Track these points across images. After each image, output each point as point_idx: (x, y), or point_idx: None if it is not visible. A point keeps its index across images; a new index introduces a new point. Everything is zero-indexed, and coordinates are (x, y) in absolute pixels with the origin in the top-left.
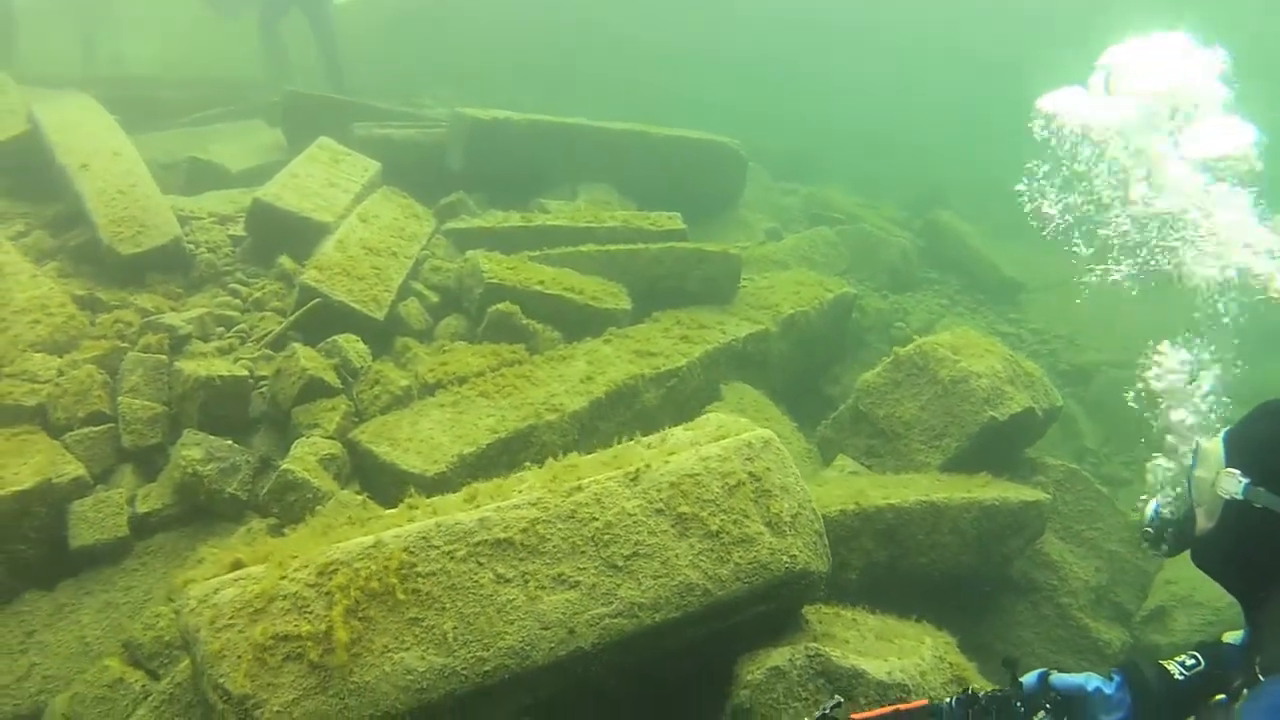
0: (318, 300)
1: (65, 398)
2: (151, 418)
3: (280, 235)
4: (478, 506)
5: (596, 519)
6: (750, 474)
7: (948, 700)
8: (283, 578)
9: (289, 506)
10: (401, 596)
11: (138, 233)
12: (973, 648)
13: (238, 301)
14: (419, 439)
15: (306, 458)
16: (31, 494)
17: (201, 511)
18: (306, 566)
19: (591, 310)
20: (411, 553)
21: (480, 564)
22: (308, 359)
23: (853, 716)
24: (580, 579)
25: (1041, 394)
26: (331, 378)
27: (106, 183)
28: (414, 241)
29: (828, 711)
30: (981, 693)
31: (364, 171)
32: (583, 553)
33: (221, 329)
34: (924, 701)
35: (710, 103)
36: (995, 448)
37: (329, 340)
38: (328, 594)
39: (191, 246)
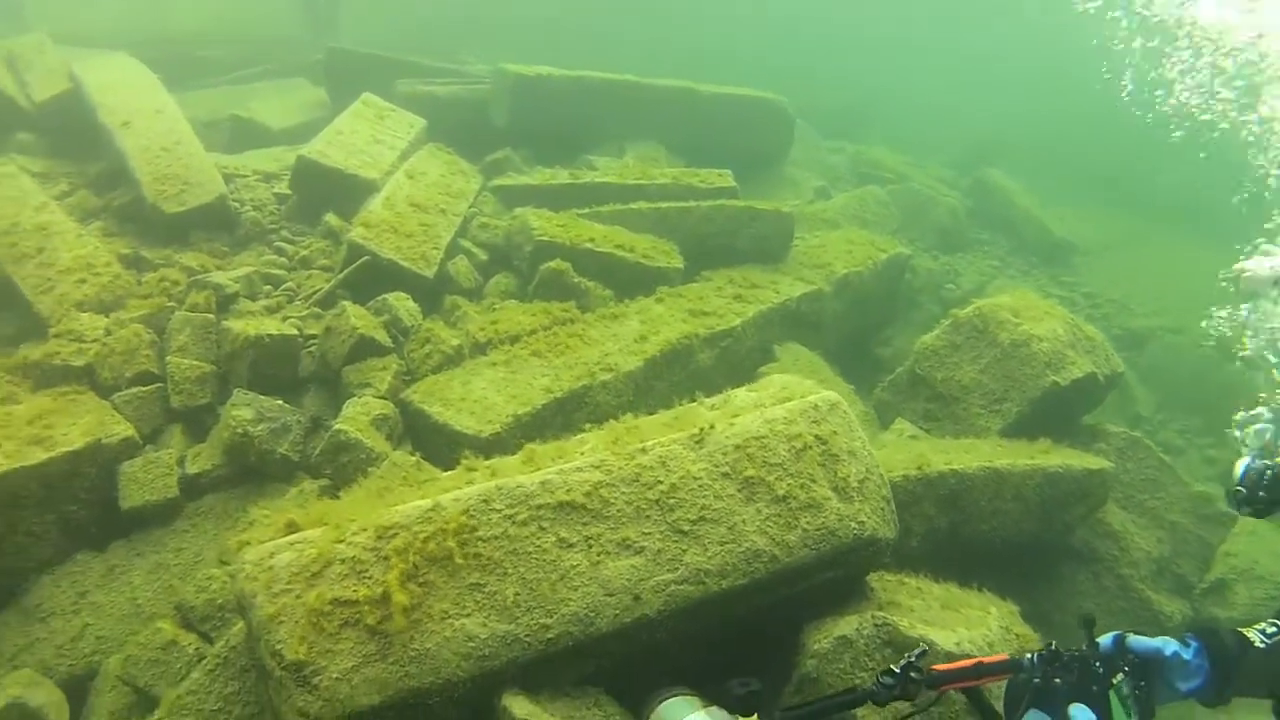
0: (366, 258)
1: (113, 357)
2: (200, 377)
3: (326, 193)
4: (538, 469)
5: (661, 482)
6: (817, 437)
7: (1029, 655)
8: (339, 541)
9: (342, 468)
10: (461, 561)
11: (182, 190)
12: (1033, 617)
13: (284, 260)
14: (472, 399)
15: (359, 418)
16: (82, 455)
17: (252, 472)
18: (364, 530)
19: (643, 268)
20: (471, 515)
21: (542, 528)
22: (358, 317)
23: (934, 667)
24: (645, 544)
25: (1103, 359)
26: (382, 336)
27: (149, 140)
28: (461, 199)
29: (912, 659)
30: (1064, 651)
31: (409, 128)
32: (648, 517)
33: (269, 287)
34: (1005, 656)
35: (754, 61)
36: (1055, 413)
37: (379, 298)
38: (385, 558)
39: (236, 204)
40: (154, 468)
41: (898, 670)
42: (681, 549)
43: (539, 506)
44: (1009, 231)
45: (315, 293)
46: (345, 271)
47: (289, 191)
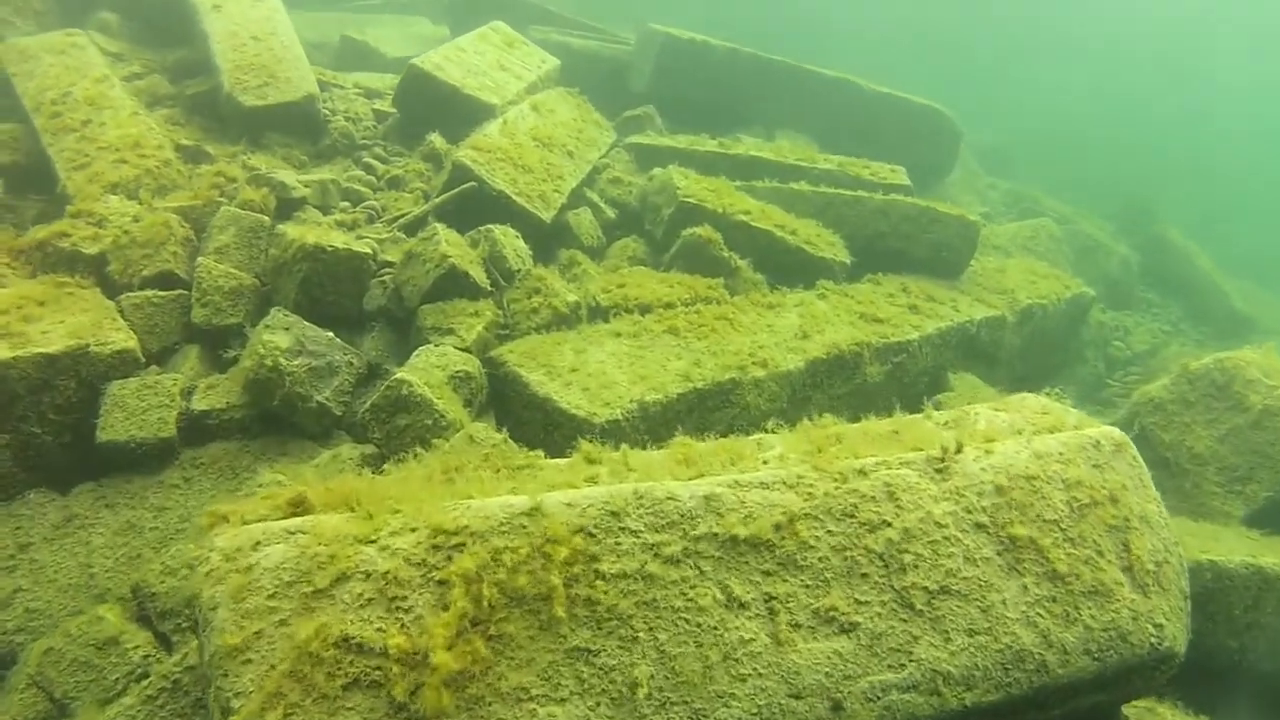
0: (471, 184)
1: (131, 248)
2: (235, 289)
3: (435, 113)
4: (699, 474)
5: (889, 524)
6: (1106, 490)
7: None
8: (369, 540)
9: (397, 433)
10: (563, 610)
11: (265, 84)
12: None
13: (371, 178)
14: (586, 372)
15: (431, 371)
16: (59, 361)
17: (278, 421)
18: (412, 529)
19: (805, 256)
20: (590, 536)
21: (701, 572)
22: (451, 245)
23: None
24: (860, 620)
25: None
26: (479, 274)
27: (240, 26)
28: (593, 147)
29: None
30: None
31: (540, 63)
32: (865, 576)
33: (346, 204)
34: None
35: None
36: None
37: (482, 228)
38: (441, 583)
39: (327, 113)
40: (150, 395)
41: None
42: (912, 634)
43: (699, 538)
44: (1184, 296)
45: (402, 215)
46: (444, 196)
47: (391, 110)
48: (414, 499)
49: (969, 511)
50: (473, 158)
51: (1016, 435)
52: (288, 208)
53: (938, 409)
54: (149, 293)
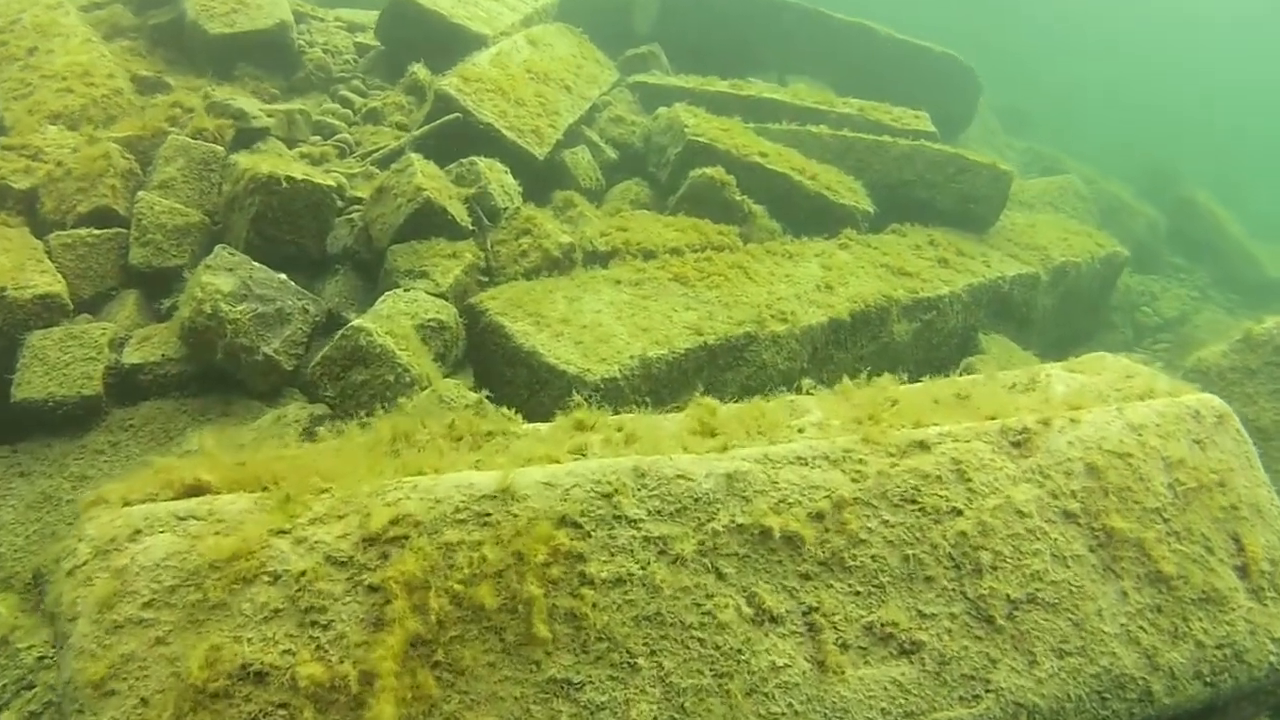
0: (456, 116)
1: (66, 181)
2: (180, 227)
3: (420, 46)
4: (722, 447)
5: (960, 513)
6: (1212, 472)
7: None
8: (282, 530)
9: (353, 390)
10: (536, 631)
11: (233, 10)
12: None
13: (347, 112)
14: (579, 323)
15: (398, 318)
16: None
17: (222, 378)
18: (341, 516)
19: (825, 202)
20: (576, 527)
21: (721, 575)
22: (428, 177)
23: None
24: (924, 638)
25: None
26: (458, 211)
27: None
28: (593, 84)
29: None
30: None
31: None
32: (930, 581)
33: (318, 137)
34: None
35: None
36: None
37: (464, 160)
38: (374, 590)
39: (303, 44)
40: (75, 346)
41: None
42: (990, 657)
43: (719, 530)
44: (1212, 261)
45: (377, 150)
46: (425, 128)
47: (375, 44)
48: (349, 476)
49: (1056, 497)
50: (458, 87)
51: (1103, 403)
52: (247, 138)
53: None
54: (83, 231)
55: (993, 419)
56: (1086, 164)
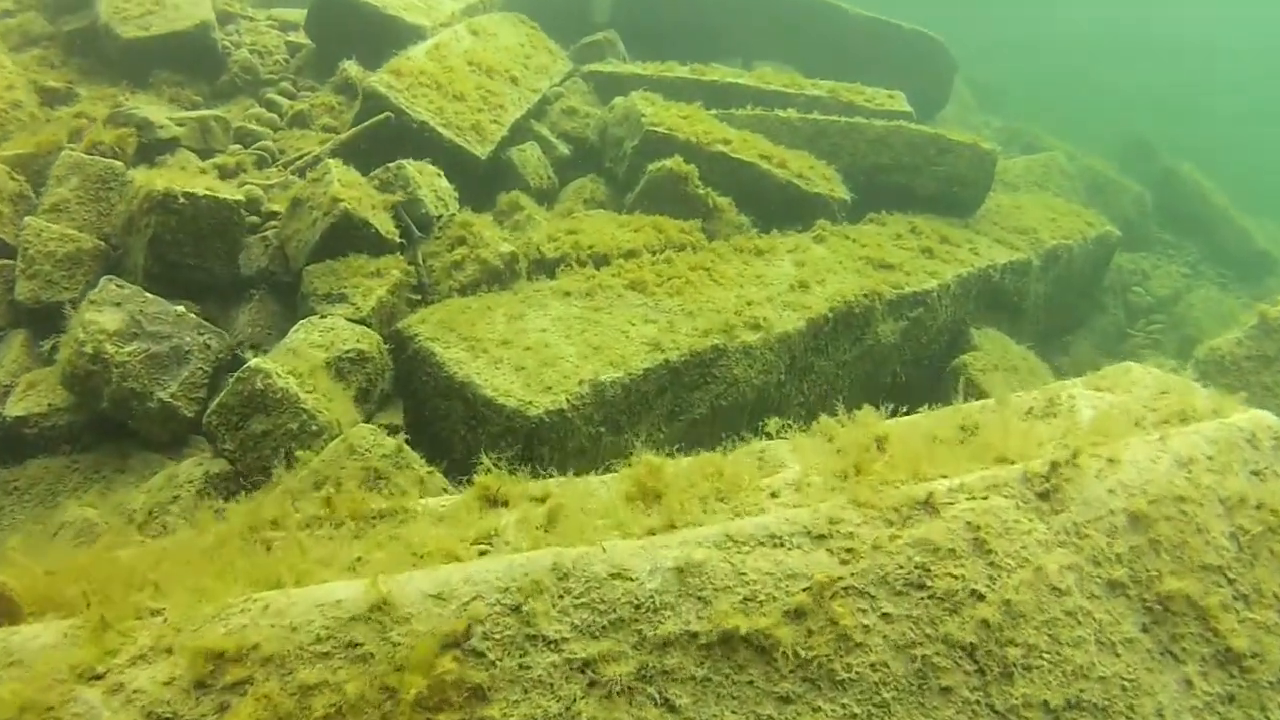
0: (386, 115)
1: None
2: (71, 256)
3: (354, 41)
4: (670, 524)
5: (980, 595)
6: (1276, 511)
7: None
8: (92, 673)
9: (253, 442)
10: None
11: (149, 12)
12: None
13: (273, 116)
14: (521, 344)
15: (308, 352)
16: None
17: (118, 427)
18: (169, 650)
19: (797, 192)
20: (475, 656)
21: (673, 706)
22: (346, 185)
23: None
24: None
25: None
26: (383, 222)
27: None
28: (542, 75)
29: None
30: None
31: None
32: (947, 693)
33: (237, 146)
34: None
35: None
36: None
37: (392, 164)
38: None
39: (229, 45)
40: None
41: None
42: None
43: (667, 643)
44: (1201, 235)
45: (300, 156)
46: (353, 131)
47: (306, 42)
48: (190, 586)
49: (1098, 563)
50: (389, 83)
51: (1139, 429)
52: (153, 151)
53: (965, 376)
54: None
55: (1010, 462)
56: (1064, 139)
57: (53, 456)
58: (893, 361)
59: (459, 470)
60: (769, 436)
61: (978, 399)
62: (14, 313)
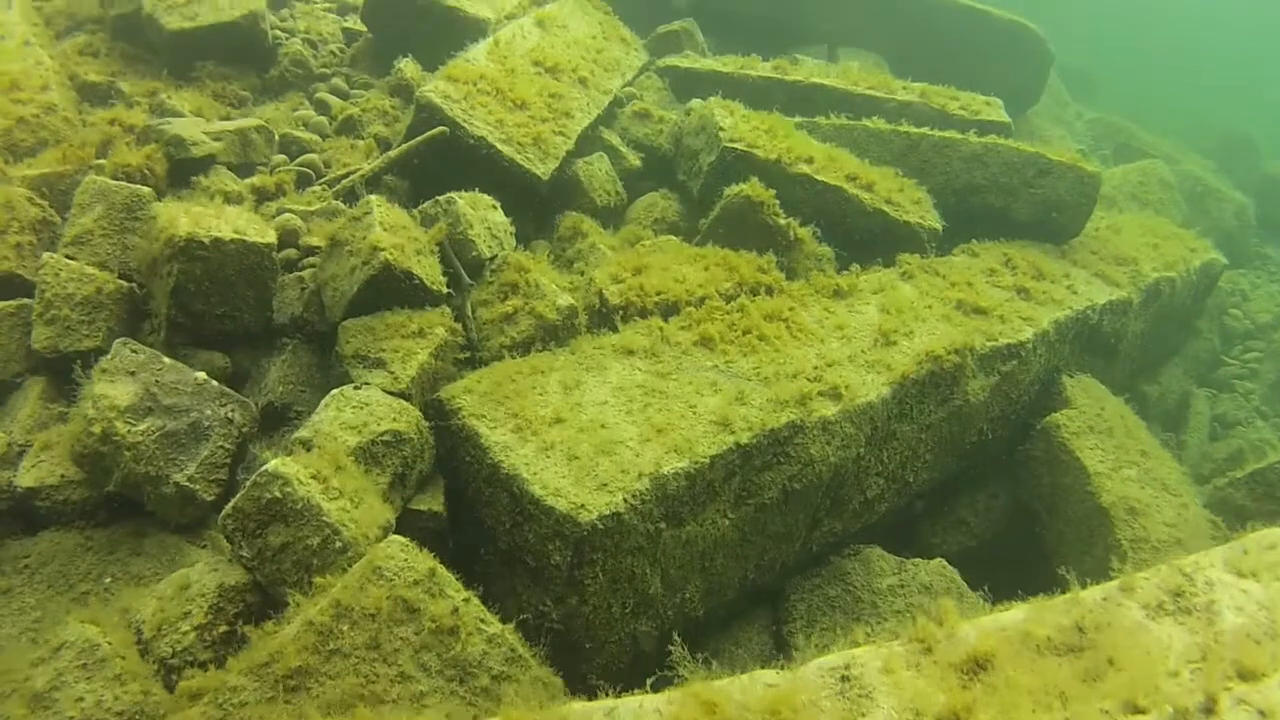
0: (441, 130)
1: None
2: (91, 300)
3: (413, 31)
4: None
5: None
6: None
7: None
8: None
9: (272, 554)
10: None
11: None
12: None
13: (322, 120)
14: (576, 424)
15: (338, 436)
16: None
17: (130, 506)
18: None
19: (885, 220)
20: None
21: None
22: (388, 228)
23: None
24: None
25: None
26: (428, 271)
27: None
28: (614, 72)
29: None
30: None
31: None
32: None
33: (282, 157)
34: None
35: None
36: None
37: (441, 199)
38: None
39: (281, 35)
40: None
41: None
42: None
43: None
44: None
45: (346, 174)
46: (402, 147)
47: (364, 29)
48: None
49: None
50: (443, 93)
51: None
52: (186, 170)
53: (1057, 439)
54: None
55: (1140, 710)
56: (1157, 133)
57: (66, 531)
58: (980, 420)
59: (500, 578)
60: (855, 644)
61: (1069, 466)
62: (31, 357)
